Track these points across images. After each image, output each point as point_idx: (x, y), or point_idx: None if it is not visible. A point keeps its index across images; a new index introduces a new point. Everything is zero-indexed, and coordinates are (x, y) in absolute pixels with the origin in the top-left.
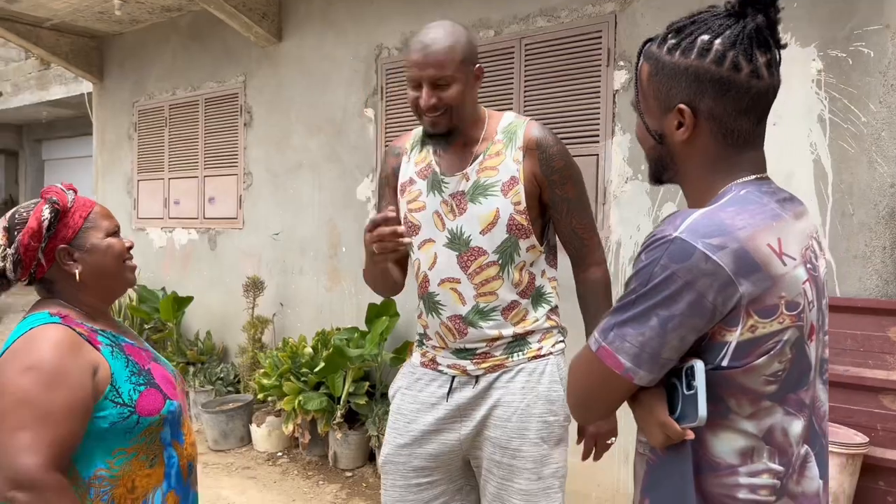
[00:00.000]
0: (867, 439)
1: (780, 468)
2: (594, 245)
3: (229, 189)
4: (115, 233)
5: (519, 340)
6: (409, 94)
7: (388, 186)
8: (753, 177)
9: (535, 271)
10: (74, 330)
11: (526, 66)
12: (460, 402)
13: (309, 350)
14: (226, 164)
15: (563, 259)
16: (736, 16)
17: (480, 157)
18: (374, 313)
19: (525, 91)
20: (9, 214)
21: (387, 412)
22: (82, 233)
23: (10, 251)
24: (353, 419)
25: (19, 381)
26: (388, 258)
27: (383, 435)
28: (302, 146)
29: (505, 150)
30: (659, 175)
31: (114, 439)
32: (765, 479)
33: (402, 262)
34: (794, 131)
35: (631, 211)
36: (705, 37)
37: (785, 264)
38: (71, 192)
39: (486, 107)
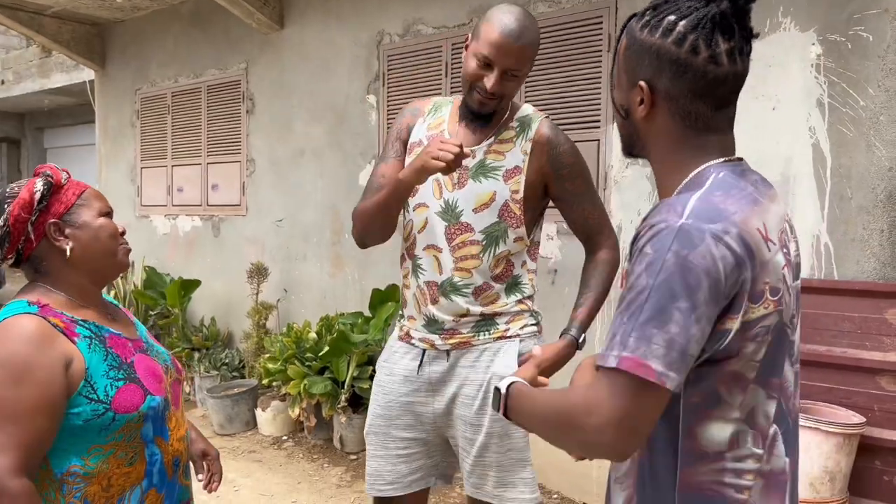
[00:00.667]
0: (864, 420)
1: (761, 451)
2: (606, 231)
3: (232, 176)
4: (107, 214)
5: (487, 320)
6: (470, 67)
7: (399, 140)
8: (723, 159)
9: (515, 261)
10: (49, 321)
11: None
12: (431, 376)
13: (313, 335)
14: (229, 152)
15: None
16: (706, 0)
17: (492, 139)
18: (378, 299)
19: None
20: (6, 188)
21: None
22: (75, 209)
23: None
24: (356, 403)
25: None
26: (438, 171)
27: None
28: (304, 133)
29: (516, 139)
30: (629, 149)
31: (89, 436)
32: (749, 464)
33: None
34: (793, 115)
35: (632, 196)
36: (671, 17)
37: (769, 249)
38: (65, 172)
39: None
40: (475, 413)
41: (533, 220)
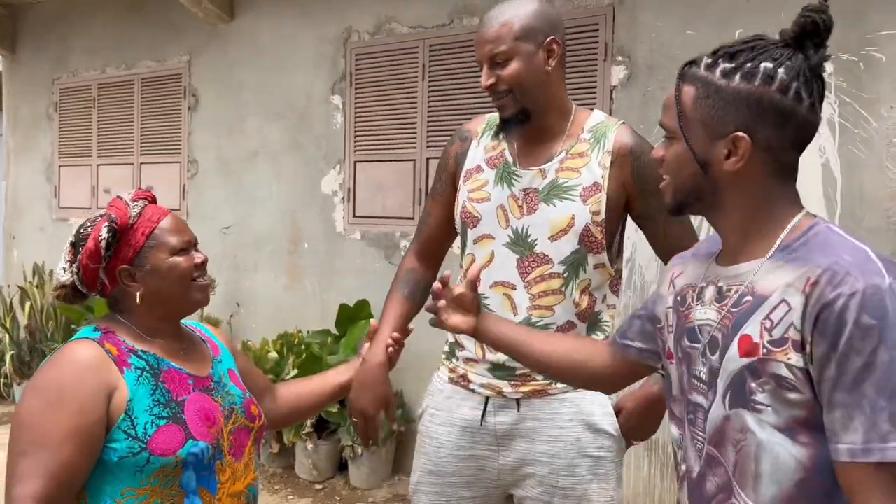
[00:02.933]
0: None
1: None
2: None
3: (171, 177)
4: (183, 249)
5: None
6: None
7: (447, 172)
8: (806, 211)
9: (597, 295)
10: (104, 347)
11: None
12: (498, 427)
13: (274, 354)
14: (167, 151)
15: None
16: (794, 47)
17: (562, 155)
18: (345, 315)
19: None
20: (76, 229)
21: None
22: (144, 252)
23: (74, 267)
24: (322, 428)
25: (28, 401)
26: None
27: (357, 445)
28: (258, 133)
29: (590, 152)
30: (686, 206)
31: (124, 476)
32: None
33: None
34: None
35: None
36: (768, 64)
37: None
38: (139, 202)
39: (478, 100)
40: (556, 474)
41: (614, 244)
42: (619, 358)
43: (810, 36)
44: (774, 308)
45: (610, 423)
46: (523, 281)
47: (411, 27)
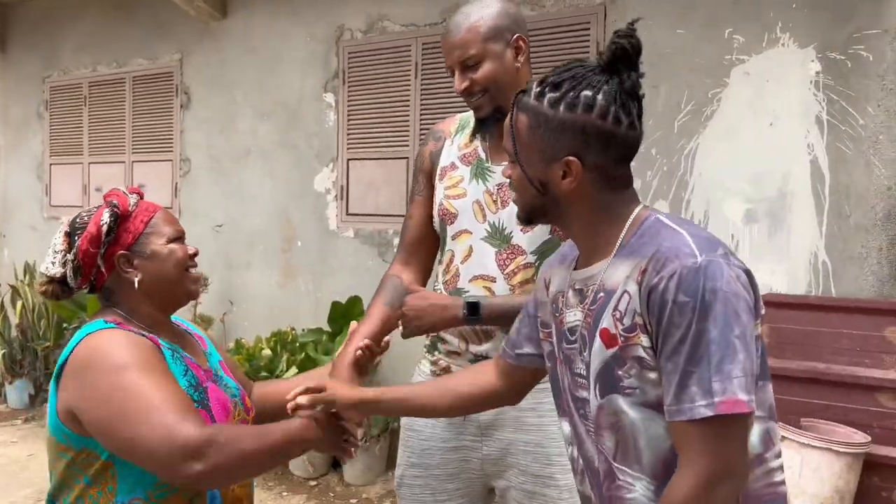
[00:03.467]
0: (869, 438)
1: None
2: None
3: (163, 176)
4: (178, 238)
5: None
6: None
7: (423, 173)
8: (642, 205)
9: None
10: (132, 332)
11: None
12: (482, 418)
13: (268, 352)
14: (159, 149)
15: None
16: (608, 72)
17: None
18: (338, 313)
19: None
20: (70, 219)
21: None
22: (143, 238)
23: (69, 257)
24: None
25: (121, 380)
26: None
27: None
28: (250, 131)
29: None
30: (533, 219)
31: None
32: (780, 455)
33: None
34: (791, 131)
35: None
36: (588, 92)
37: None
38: (135, 195)
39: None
40: (539, 462)
41: None
42: (513, 368)
43: (622, 60)
44: (619, 299)
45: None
46: (503, 273)
47: (403, 26)
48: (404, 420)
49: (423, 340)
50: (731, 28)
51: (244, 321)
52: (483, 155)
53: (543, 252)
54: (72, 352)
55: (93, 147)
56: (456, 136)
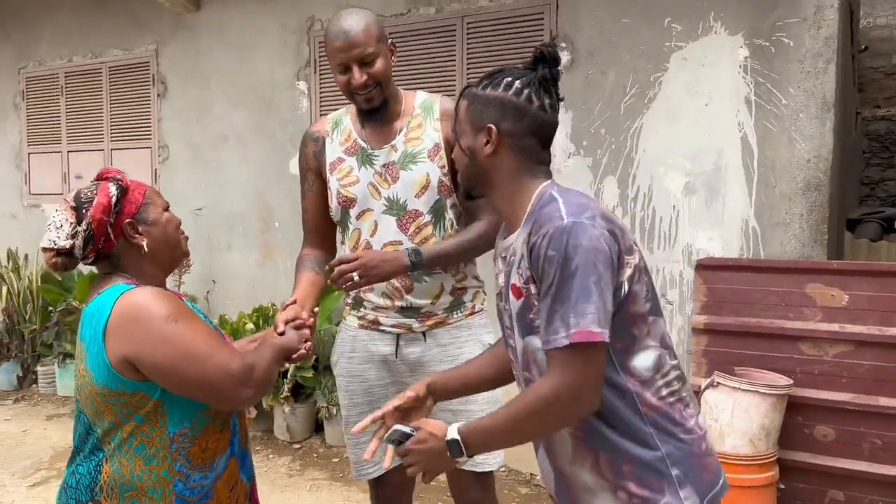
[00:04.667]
0: (792, 381)
1: (676, 362)
2: (490, 210)
3: (142, 163)
4: (167, 208)
5: (457, 300)
6: (339, 79)
7: (310, 171)
8: (548, 182)
9: (459, 228)
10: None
11: (468, 44)
12: (409, 357)
13: (251, 326)
14: (137, 137)
15: None
16: (532, 69)
17: (404, 129)
18: None
19: (468, 69)
20: (72, 195)
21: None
22: (144, 207)
23: (80, 228)
24: (298, 392)
25: (175, 329)
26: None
27: (333, 405)
28: (226, 118)
29: (425, 122)
30: (469, 189)
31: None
32: (673, 373)
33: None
34: (723, 111)
35: (573, 184)
36: (509, 78)
37: (619, 218)
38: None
39: (429, 83)
40: None
41: (457, 186)
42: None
43: (541, 61)
44: (520, 260)
45: (494, 340)
46: (406, 235)
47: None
48: (340, 370)
49: (345, 299)
50: (670, 17)
51: (226, 299)
52: (364, 144)
53: (436, 210)
54: (111, 312)
55: (71, 136)
56: (333, 133)
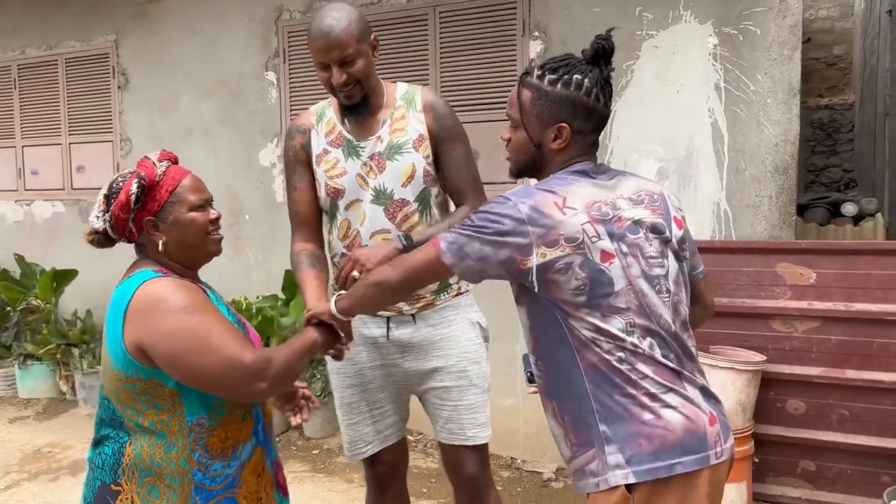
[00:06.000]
0: (765, 358)
1: (641, 340)
2: (475, 194)
3: (103, 156)
4: (201, 206)
5: (443, 282)
6: (320, 75)
7: (299, 162)
8: (580, 165)
9: (441, 216)
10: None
11: (441, 34)
12: (400, 338)
13: None
14: (97, 130)
15: None
16: (592, 63)
17: (388, 121)
18: (291, 280)
19: (441, 58)
20: (109, 183)
21: (314, 374)
22: (167, 206)
23: (106, 216)
24: None
25: (190, 320)
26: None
27: (315, 395)
28: (192, 110)
29: (408, 114)
30: (523, 172)
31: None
32: (632, 347)
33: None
34: (694, 98)
35: None
36: (578, 76)
37: (564, 213)
38: (164, 163)
39: (402, 73)
40: (456, 361)
41: (440, 174)
42: None
43: (601, 56)
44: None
45: (480, 318)
46: (393, 224)
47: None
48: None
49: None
50: (641, 6)
51: None
52: (349, 136)
53: (422, 198)
54: (132, 297)
55: (26, 130)
56: (318, 126)
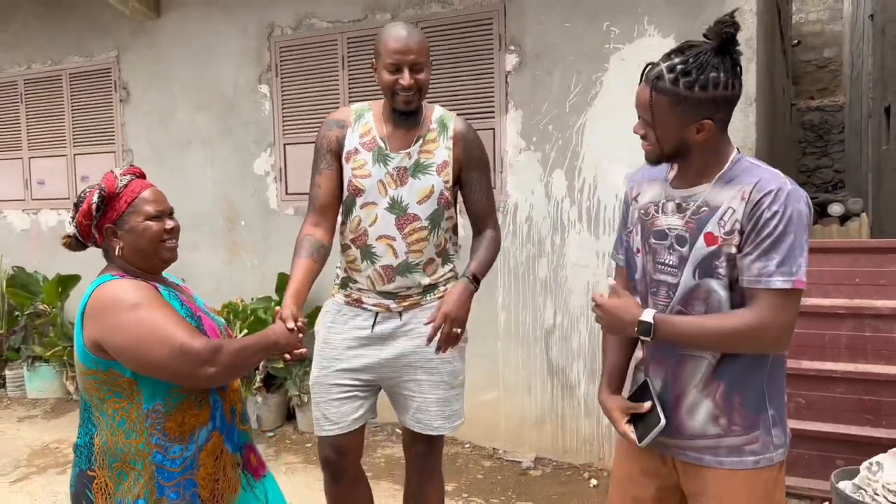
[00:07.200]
0: None
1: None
2: (493, 217)
3: (106, 167)
4: (157, 216)
5: (431, 286)
6: (385, 77)
7: (331, 153)
8: (736, 149)
9: (447, 237)
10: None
11: None
12: (383, 332)
13: (222, 320)
14: (100, 142)
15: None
16: (720, 53)
17: (421, 141)
18: (284, 282)
19: None
20: (79, 192)
21: (306, 373)
22: (125, 216)
23: (73, 223)
24: (269, 383)
25: (139, 315)
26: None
27: (304, 393)
28: (189, 122)
29: (439, 138)
30: (663, 160)
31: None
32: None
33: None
34: None
35: (525, 177)
36: (713, 74)
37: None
38: (127, 177)
39: None
40: (428, 357)
41: (456, 200)
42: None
43: (730, 42)
44: (724, 213)
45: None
46: (400, 234)
47: (330, 22)
48: (318, 339)
49: (334, 280)
50: (609, 21)
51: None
52: (382, 144)
53: (433, 218)
54: (89, 299)
55: (32, 142)
56: (355, 124)
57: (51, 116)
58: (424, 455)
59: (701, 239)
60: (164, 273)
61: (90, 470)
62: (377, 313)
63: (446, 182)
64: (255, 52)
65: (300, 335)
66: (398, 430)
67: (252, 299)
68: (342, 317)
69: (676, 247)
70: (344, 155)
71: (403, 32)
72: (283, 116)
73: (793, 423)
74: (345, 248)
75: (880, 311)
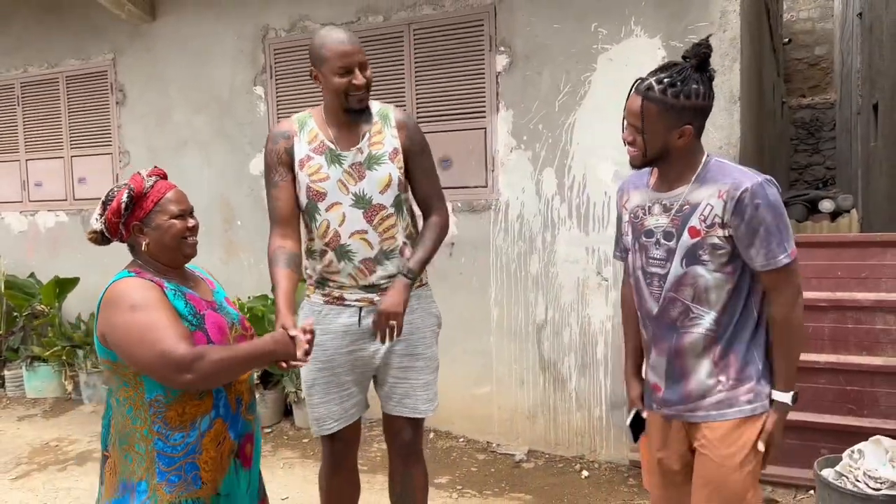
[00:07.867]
0: None
1: None
2: (439, 202)
3: (103, 168)
4: (180, 215)
5: None
6: (336, 81)
7: (283, 165)
8: (706, 153)
9: (411, 220)
10: (143, 278)
11: (415, 50)
12: (370, 324)
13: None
14: (97, 144)
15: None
16: (698, 68)
17: (368, 135)
18: None
19: (416, 72)
20: (108, 191)
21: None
22: (151, 214)
23: (102, 219)
24: (266, 380)
25: (133, 317)
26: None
27: (300, 389)
28: (185, 123)
29: (384, 129)
30: (649, 163)
31: None
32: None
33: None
34: None
35: (516, 176)
36: (695, 85)
37: None
38: (153, 178)
39: (381, 85)
40: (414, 345)
41: (406, 185)
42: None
43: (707, 61)
44: (704, 209)
45: (436, 308)
46: (370, 225)
47: (323, 24)
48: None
49: (309, 279)
50: (597, 22)
51: None
52: (332, 146)
53: (397, 204)
54: (105, 293)
55: (29, 144)
56: (301, 133)
57: (48, 119)
58: (411, 439)
59: (686, 233)
60: (190, 266)
61: (105, 451)
62: (361, 308)
63: (400, 168)
64: (250, 54)
65: (307, 343)
66: None
67: (249, 297)
68: (325, 317)
69: (664, 242)
70: (297, 164)
71: (344, 36)
72: (278, 117)
73: None
74: (315, 253)
75: (861, 304)
